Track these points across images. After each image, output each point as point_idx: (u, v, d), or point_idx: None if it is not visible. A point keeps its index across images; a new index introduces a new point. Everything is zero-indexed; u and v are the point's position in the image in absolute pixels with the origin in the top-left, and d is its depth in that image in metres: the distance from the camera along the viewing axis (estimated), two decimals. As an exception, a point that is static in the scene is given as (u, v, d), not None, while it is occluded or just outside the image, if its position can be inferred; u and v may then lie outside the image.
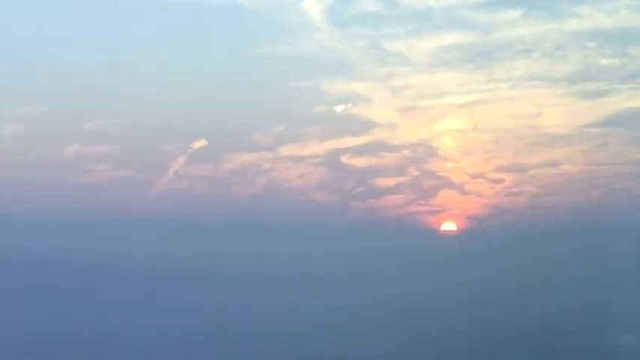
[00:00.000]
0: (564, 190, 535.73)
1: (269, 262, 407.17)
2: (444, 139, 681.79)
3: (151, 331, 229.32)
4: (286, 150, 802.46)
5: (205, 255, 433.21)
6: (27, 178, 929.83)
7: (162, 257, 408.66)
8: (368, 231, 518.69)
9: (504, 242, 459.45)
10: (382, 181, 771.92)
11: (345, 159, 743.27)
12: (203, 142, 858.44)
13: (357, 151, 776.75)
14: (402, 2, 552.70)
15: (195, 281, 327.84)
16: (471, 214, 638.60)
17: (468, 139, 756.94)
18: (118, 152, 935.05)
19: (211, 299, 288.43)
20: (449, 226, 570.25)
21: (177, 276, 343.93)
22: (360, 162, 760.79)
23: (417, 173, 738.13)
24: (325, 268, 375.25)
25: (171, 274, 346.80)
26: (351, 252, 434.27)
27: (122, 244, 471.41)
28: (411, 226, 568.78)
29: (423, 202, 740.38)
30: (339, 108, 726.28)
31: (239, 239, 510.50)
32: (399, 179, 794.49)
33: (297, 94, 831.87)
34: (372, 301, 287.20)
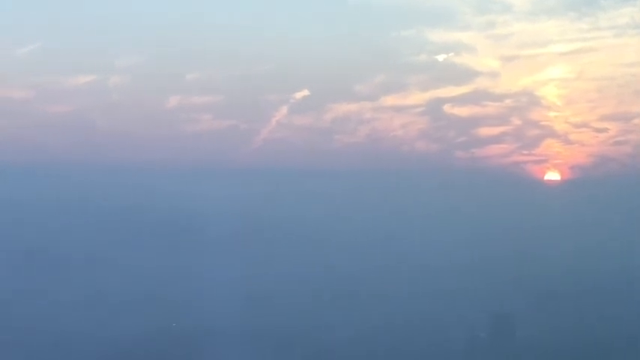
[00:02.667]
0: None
1: (371, 210, 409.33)
2: (547, 88, 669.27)
3: (260, 278, 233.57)
4: (388, 100, 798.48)
5: (307, 203, 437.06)
6: (131, 128, 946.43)
7: (263, 206, 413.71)
8: (471, 180, 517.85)
9: (609, 191, 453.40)
10: (485, 131, 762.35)
11: (447, 108, 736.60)
12: (305, 92, 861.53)
13: (460, 100, 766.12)
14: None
15: (295, 229, 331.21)
16: (574, 163, 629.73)
17: (571, 88, 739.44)
18: (221, 103, 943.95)
19: (315, 246, 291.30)
20: (553, 175, 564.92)
21: (278, 224, 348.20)
22: (462, 111, 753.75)
23: (519, 122, 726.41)
24: (427, 217, 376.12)
25: (272, 223, 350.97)
26: (454, 200, 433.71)
27: (225, 192, 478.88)
28: (514, 176, 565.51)
29: (526, 152, 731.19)
30: (440, 57, 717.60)
31: (340, 188, 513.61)
32: (502, 128, 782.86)
33: (398, 43, 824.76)
34: (478, 249, 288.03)
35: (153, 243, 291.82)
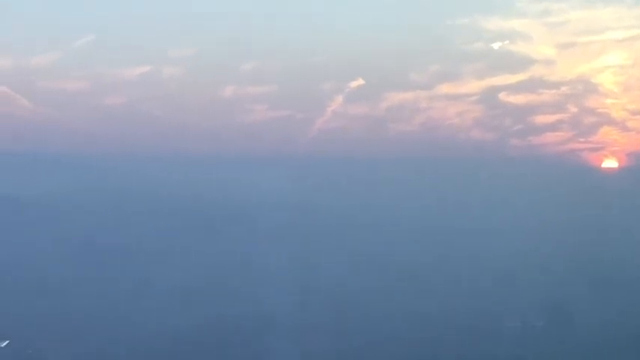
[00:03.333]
0: None
1: (427, 199, 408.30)
2: (604, 75, 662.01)
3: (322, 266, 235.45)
4: (443, 88, 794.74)
5: (362, 193, 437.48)
6: (185, 118, 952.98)
7: (319, 196, 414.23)
8: (527, 168, 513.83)
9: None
10: (541, 119, 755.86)
11: (502, 96, 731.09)
12: (360, 81, 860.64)
13: (515, 88, 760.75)
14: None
15: (351, 218, 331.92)
16: (632, 150, 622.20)
17: (628, 75, 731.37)
18: (276, 92, 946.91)
19: (371, 235, 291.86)
20: (610, 162, 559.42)
21: (334, 213, 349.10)
22: (518, 99, 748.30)
23: (576, 110, 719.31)
24: (483, 206, 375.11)
25: (328, 212, 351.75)
26: (510, 189, 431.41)
27: (281, 182, 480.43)
28: (571, 163, 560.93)
29: (582, 139, 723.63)
30: (496, 45, 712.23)
31: (396, 177, 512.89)
32: (558, 116, 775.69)
33: (453, 31, 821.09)
34: (536, 237, 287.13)
35: (209, 232, 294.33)
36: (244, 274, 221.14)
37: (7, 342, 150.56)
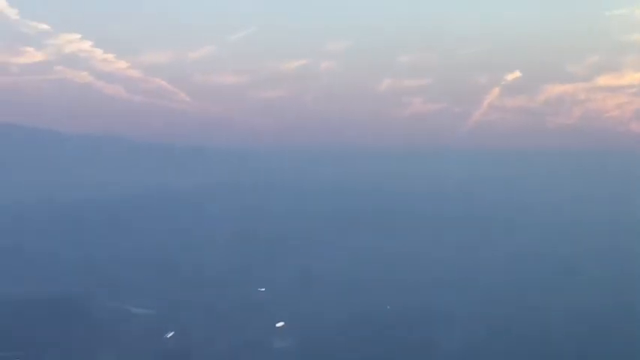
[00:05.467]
0: None
1: (588, 191, 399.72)
2: None
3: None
4: (602, 80, 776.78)
5: (520, 185, 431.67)
6: (342, 112, 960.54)
7: (476, 188, 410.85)
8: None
9: None
10: None
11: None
12: (517, 73, 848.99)
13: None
14: None
15: (511, 211, 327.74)
16: None
17: None
18: (432, 85, 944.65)
19: (530, 229, 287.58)
20: None
21: (492, 206, 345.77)
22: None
23: None
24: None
25: (485, 204, 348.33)
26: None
27: (438, 175, 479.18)
28: None
29: None
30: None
31: (554, 169, 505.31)
32: None
33: (611, 22, 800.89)
34: None
35: (366, 224, 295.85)
36: (400, 267, 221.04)
37: (172, 333, 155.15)
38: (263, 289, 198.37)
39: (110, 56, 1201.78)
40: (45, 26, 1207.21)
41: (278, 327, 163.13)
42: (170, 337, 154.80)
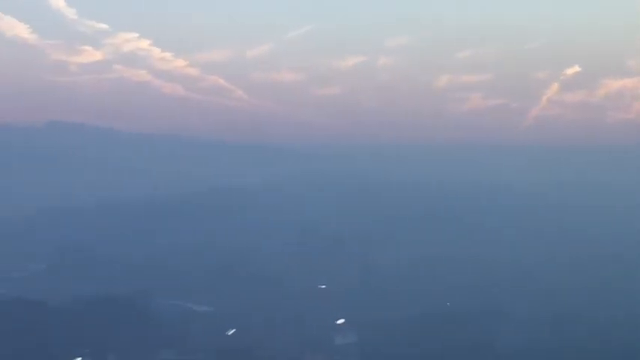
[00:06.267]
0: None
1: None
2: None
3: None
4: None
5: (582, 183, 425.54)
6: (399, 108, 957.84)
7: (536, 184, 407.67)
8: None
9: None
10: None
11: None
12: (576, 68, 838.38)
13: None
14: None
15: (570, 210, 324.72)
16: None
17: None
18: (491, 81, 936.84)
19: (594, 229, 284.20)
20: None
21: (548, 201, 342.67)
22: None
23: None
24: None
25: (544, 201, 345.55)
26: None
27: (497, 171, 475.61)
28: None
29: None
30: None
31: (616, 165, 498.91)
32: None
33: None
34: None
35: (424, 221, 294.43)
36: (461, 266, 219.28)
37: (234, 330, 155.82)
38: (324, 286, 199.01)
39: (168, 55, 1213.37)
40: (103, 25, 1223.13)
41: (338, 324, 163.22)
42: (231, 334, 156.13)
